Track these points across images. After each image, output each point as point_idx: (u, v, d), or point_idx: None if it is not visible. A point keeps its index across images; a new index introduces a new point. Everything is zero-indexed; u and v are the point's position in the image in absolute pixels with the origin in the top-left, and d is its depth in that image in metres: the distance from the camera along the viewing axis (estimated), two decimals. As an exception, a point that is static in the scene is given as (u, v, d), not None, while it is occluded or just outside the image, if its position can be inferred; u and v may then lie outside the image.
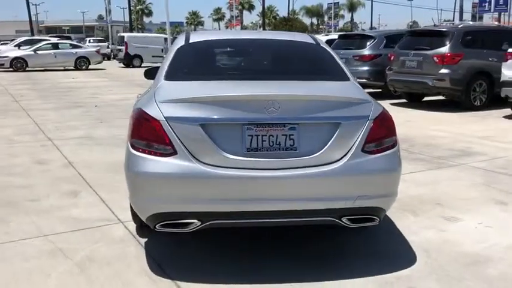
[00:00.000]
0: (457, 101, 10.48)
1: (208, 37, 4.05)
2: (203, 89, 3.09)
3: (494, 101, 10.20)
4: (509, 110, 9.68)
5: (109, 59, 35.44)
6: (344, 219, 2.93)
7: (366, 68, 12.00)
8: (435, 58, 10.14)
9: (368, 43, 12.29)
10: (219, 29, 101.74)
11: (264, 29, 47.46)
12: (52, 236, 3.64)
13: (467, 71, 10.12)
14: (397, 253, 3.36)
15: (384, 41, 12.25)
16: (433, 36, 10.75)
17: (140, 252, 3.37)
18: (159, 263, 3.19)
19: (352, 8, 79.62)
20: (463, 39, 10.35)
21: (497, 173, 5.37)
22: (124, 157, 3.16)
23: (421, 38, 11.09)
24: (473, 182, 5.02)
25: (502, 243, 3.51)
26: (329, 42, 14.74)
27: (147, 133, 2.91)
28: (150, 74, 5.30)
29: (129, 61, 28.10)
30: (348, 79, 3.48)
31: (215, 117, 2.85)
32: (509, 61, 9.25)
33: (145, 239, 3.57)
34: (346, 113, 2.94)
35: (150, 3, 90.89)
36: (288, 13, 71.02)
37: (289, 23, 50.35)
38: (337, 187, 2.88)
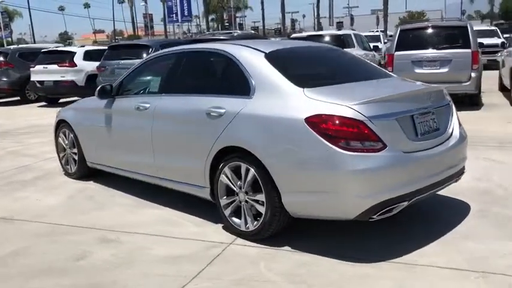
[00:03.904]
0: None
1: (276, 46, 4.16)
2: (367, 90, 3.50)
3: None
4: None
5: None
6: (460, 178, 3.92)
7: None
8: None
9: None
10: None
11: None
12: (203, 273, 3.23)
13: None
14: (456, 202, 4.40)
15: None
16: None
17: (311, 256, 3.44)
18: (341, 254, 3.40)
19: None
20: None
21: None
22: (302, 160, 3.28)
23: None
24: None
25: (467, 178, 5.09)
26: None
27: (354, 133, 3.18)
28: (105, 92, 4.82)
29: None
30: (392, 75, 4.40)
31: (401, 111, 3.38)
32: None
33: (284, 246, 3.60)
34: (448, 98, 3.92)
35: None
36: None
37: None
38: (461, 153, 3.84)
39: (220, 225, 4.04)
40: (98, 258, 3.59)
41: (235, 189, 3.75)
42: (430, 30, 10.46)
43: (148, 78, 4.90)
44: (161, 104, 4.36)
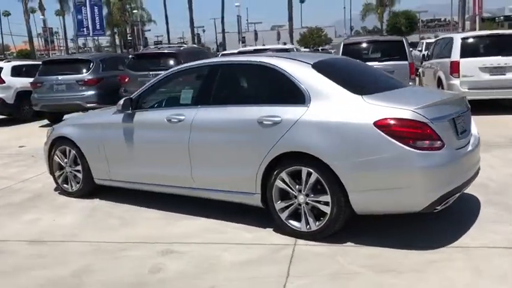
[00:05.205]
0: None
1: (317, 58, 4.43)
2: (415, 97, 3.95)
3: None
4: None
5: None
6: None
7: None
8: None
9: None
10: None
11: None
12: (291, 272, 3.40)
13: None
14: (464, 195, 4.79)
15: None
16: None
17: (377, 249, 3.75)
18: (403, 245, 3.75)
19: None
20: None
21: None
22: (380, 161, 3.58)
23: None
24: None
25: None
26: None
27: (419, 134, 3.58)
28: (128, 105, 4.81)
29: None
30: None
31: (448, 113, 3.85)
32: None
33: (347, 242, 3.88)
34: (468, 104, 4.47)
35: None
36: None
37: None
38: (479, 151, 4.39)
39: (270, 229, 4.20)
40: (175, 269, 3.59)
41: (293, 192, 3.96)
42: (370, 44, 11.40)
43: (175, 90, 4.91)
44: (200, 115, 4.43)
